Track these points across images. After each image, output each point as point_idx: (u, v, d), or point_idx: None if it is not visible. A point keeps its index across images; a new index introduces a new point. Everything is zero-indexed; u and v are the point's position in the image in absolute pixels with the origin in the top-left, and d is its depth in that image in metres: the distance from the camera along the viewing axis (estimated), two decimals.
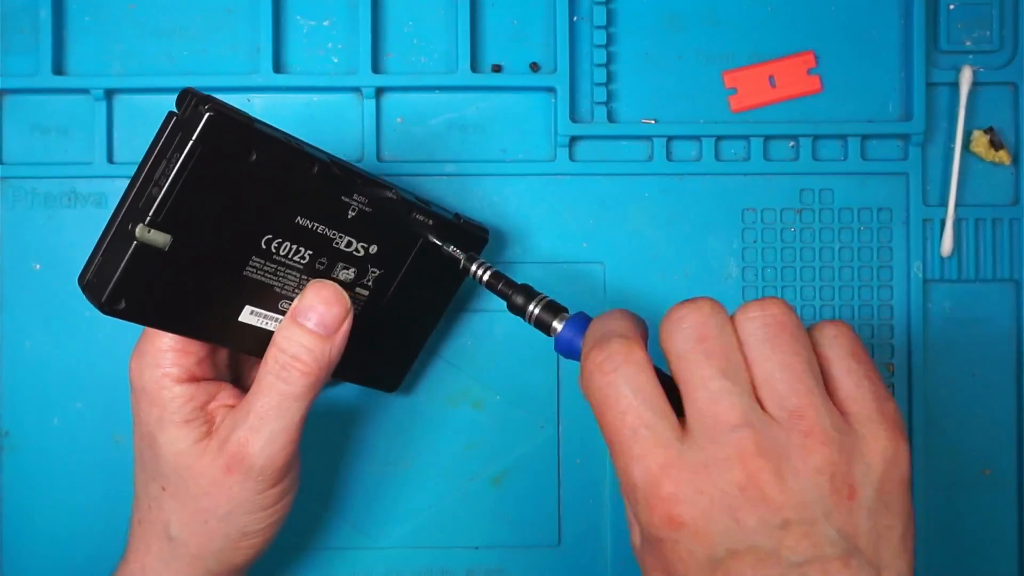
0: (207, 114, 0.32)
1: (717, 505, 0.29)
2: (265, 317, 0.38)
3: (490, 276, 0.39)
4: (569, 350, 0.36)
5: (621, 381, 0.31)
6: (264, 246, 0.36)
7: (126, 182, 0.34)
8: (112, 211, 0.34)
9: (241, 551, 0.39)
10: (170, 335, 0.37)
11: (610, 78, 0.47)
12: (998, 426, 0.47)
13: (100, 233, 0.35)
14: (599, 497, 0.47)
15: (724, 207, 0.47)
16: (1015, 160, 0.47)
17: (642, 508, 0.30)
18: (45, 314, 0.46)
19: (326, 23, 0.43)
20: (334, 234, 0.38)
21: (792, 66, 0.47)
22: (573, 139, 0.46)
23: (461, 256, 0.40)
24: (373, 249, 0.39)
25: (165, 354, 0.37)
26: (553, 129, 0.46)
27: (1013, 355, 0.47)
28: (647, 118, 0.46)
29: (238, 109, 0.33)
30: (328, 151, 0.37)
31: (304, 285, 0.38)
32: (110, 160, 0.46)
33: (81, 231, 0.46)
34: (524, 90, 0.46)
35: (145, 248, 0.33)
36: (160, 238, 0.33)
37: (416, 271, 0.41)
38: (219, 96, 0.33)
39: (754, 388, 0.30)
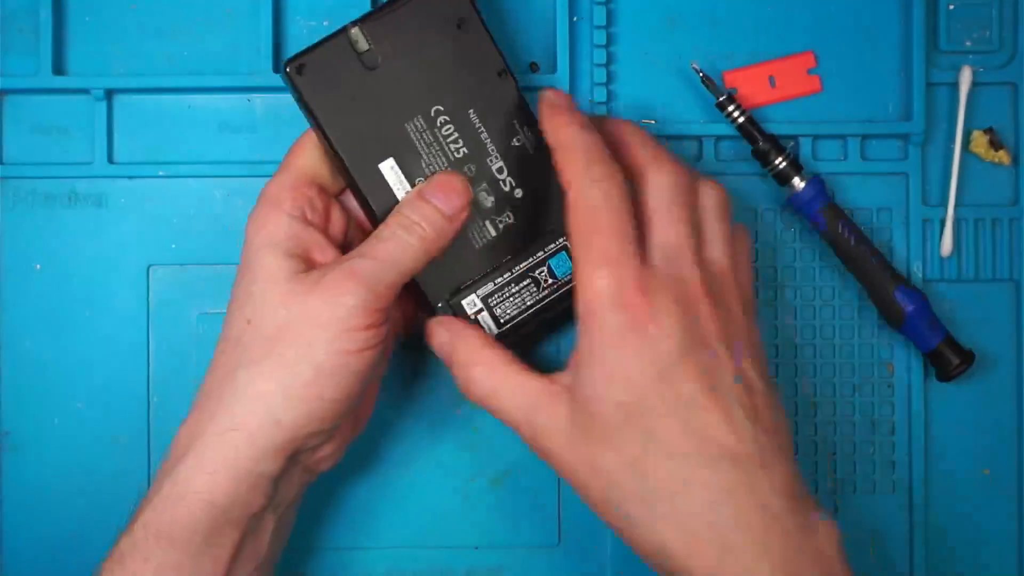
0: None
1: (675, 316, 0.34)
2: (399, 178, 0.40)
3: (744, 120, 0.44)
4: (805, 209, 0.44)
5: (616, 191, 0.36)
6: (432, 114, 0.40)
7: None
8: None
9: (310, 427, 0.37)
10: (291, 196, 0.38)
11: (610, 78, 0.47)
12: (998, 426, 0.47)
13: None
14: None
15: None
16: (1015, 160, 0.47)
17: (601, 306, 0.34)
18: (45, 314, 0.46)
19: (326, 23, 0.43)
20: (492, 150, 0.41)
21: (792, 66, 0.47)
22: None
23: (721, 95, 0.44)
24: (518, 193, 0.41)
25: (284, 190, 0.39)
26: None
27: (1013, 355, 0.47)
28: (647, 118, 0.46)
29: None
30: None
31: None
32: (110, 160, 0.46)
33: (81, 231, 0.46)
34: (524, 90, 0.46)
35: (345, 41, 0.39)
36: (363, 41, 0.39)
37: (543, 251, 0.42)
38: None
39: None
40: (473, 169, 0.41)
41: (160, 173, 0.46)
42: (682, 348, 0.34)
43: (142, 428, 0.46)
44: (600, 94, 0.46)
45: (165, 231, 0.46)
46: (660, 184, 0.37)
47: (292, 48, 0.46)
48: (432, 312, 0.42)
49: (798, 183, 0.44)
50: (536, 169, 0.41)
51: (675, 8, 0.47)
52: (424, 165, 0.41)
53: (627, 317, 0.34)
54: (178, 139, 0.46)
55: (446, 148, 0.41)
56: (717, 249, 0.37)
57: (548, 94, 0.39)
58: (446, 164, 0.41)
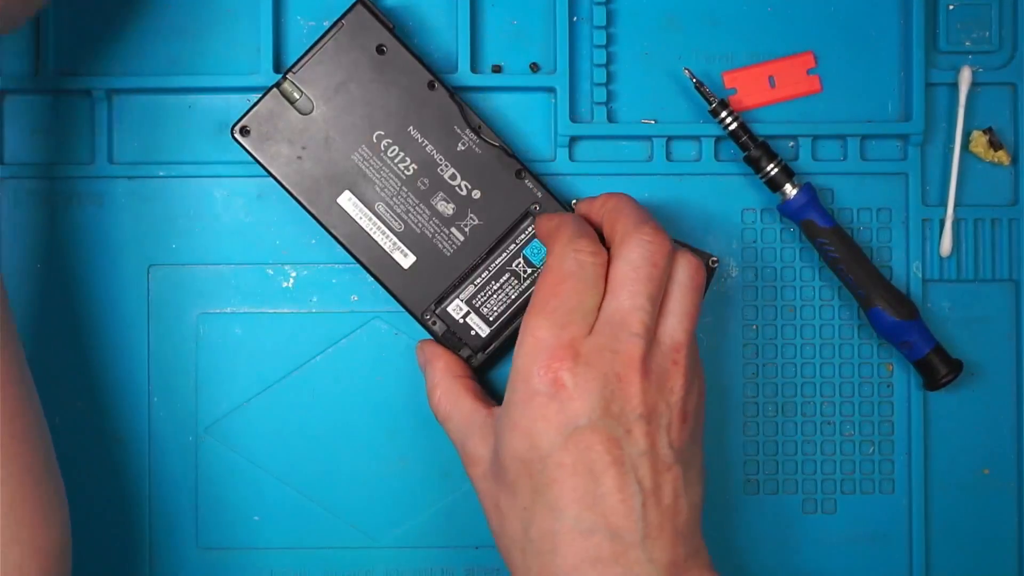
0: (358, 3, 0.42)
1: (596, 384, 0.35)
2: (359, 207, 0.42)
3: (736, 126, 0.44)
4: (795, 215, 0.44)
5: (590, 265, 0.37)
6: (375, 140, 0.42)
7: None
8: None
9: None
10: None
11: (610, 78, 0.47)
12: (998, 426, 0.47)
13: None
14: None
15: (724, 207, 0.47)
16: (1014, 160, 0.47)
17: (530, 361, 0.36)
18: (45, 314, 0.46)
19: (326, 23, 0.43)
20: (440, 159, 0.42)
21: (792, 66, 0.47)
22: (573, 139, 0.46)
23: (714, 101, 0.44)
24: (476, 194, 0.42)
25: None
26: (553, 129, 0.46)
27: (1013, 355, 0.47)
28: (647, 118, 0.47)
29: (384, 17, 0.42)
30: None
31: (403, 197, 0.42)
32: (110, 160, 0.46)
33: (81, 231, 0.46)
34: (524, 90, 0.46)
35: (278, 95, 0.42)
36: (294, 90, 0.42)
37: (514, 243, 0.43)
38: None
39: (660, 315, 0.37)
40: (427, 182, 0.43)
41: (160, 173, 0.46)
42: (591, 417, 0.35)
43: (142, 428, 0.46)
44: (600, 94, 0.46)
45: (165, 231, 0.46)
46: (630, 254, 0.37)
47: (292, 47, 0.46)
48: (421, 322, 0.43)
49: (789, 190, 0.44)
50: (487, 167, 0.43)
51: (675, 8, 0.47)
52: (379, 190, 0.42)
53: (547, 379, 0.35)
54: (178, 139, 0.46)
55: (395, 169, 0.42)
56: (673, 322, 0.37)
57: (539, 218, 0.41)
58: (399, 184, 0.42)
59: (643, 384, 0.35)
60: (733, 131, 0.45)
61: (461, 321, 0.43)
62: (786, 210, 0.45)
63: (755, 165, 0.45)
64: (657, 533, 0.35)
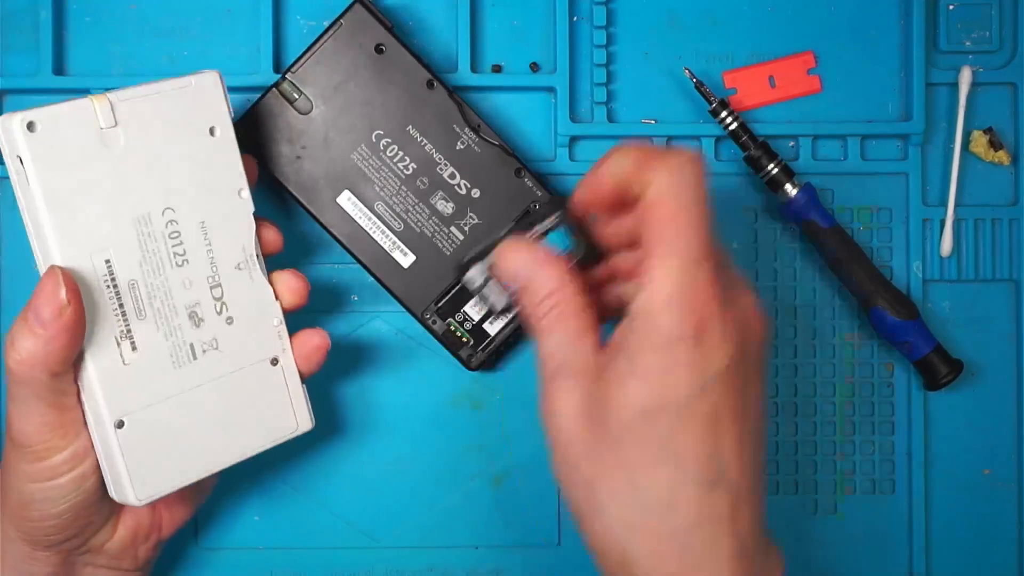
0: (356, 2, 0.42)
1: (734, 329, 0.32)
2: (358, 207, 0.42)
3: (736, 126, 0.44)
4: (796, 215, 0.44)
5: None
6: (374, 140, 0.42)
7: None
8: None
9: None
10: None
11: (610, 78, 0.47)
12: (998, 426, 0.47)
13: None
14: None
15: (724, 207, 0.47)
16: (1014, 160, 0.47)
17: (668, 304, 0.32)
18: None
19: (326, 23, 0.43)
20: (440, 158, 0.42)
21: (792, 66, 0.47)
22: (573, 139, 0.46)
23: (714, 101, 0.44)
24: (475, 193, 0.42)
25: None
26: (553, 129, 0.46)
27: (1013, 355, 0.47)
28: (647, 118, 0.46)
29: (383, 16, 0.42)
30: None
31: (403, 196, 0.42)
32: None
33: None
34: (524, 90, 0.46)
35: (277, 95, 0.42)
36: (294, 92, 0.42)
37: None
38: None
39: None
40: (426, 181, 0.42)
41: None
42: (729, 368, 0.32)
43: None
44: (600, 94, 0.46)
45: None
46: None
47: (292, 47, 0.46)
48: (421, 322, 0.43)
49: (790, 190, 0.44)
50: (487, 166, 0.43)
51: (675, 8, 0.47)
52: (378, 189, 0.42)
53: (691, 323, 0.32)
54: None
55: (395, 168, 0.42)
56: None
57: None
58: (398, 183, 0.42)
59: (763, 330, 0.34)
60: (733, 131, 0.45)
61: (482, 282, 0.41)
62: (786, 210, 0.45)
63: (755, 165, 0.45)
64: (754, 492, 0.34)
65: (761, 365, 0.35)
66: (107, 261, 0.35)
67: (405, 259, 0.43)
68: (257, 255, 0.38)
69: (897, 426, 0.47)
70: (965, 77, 0.46)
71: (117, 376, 0.35)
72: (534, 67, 0.47)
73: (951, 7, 0.47)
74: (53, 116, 0.34)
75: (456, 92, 0.43)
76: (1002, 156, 0.47)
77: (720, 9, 0.47)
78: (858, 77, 0.47)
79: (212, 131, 0.38)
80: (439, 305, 0.43)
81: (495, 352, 0.44)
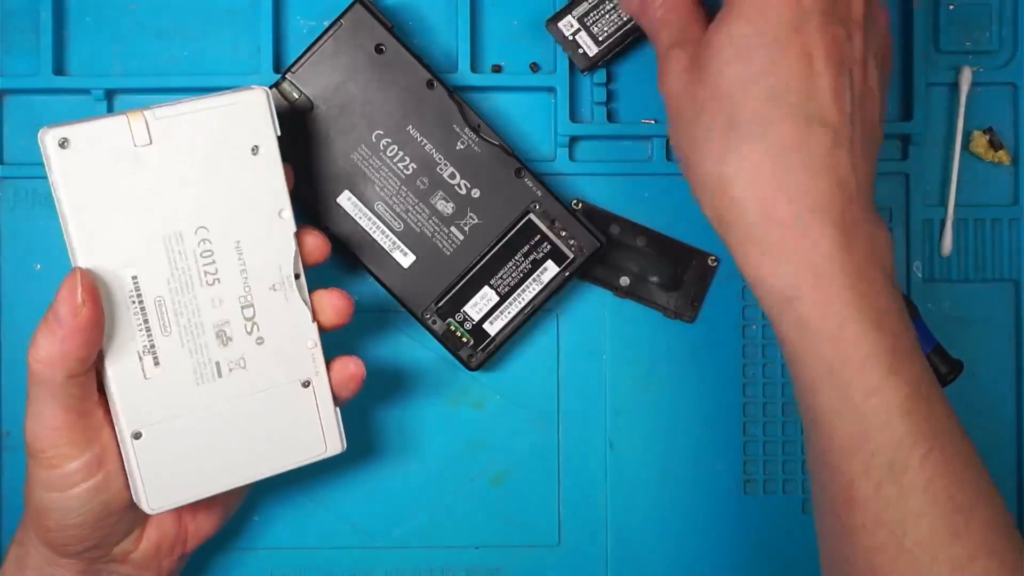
0: (356, 2, 0.42)
1: None
2: (358, 207, 0.42)
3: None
4: None
5: None
6: (374, 140, 0.42)
7: None
8: None
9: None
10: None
11: (610, 78, 0.47)
12: (998, 426, 0.47)
13: None
14: (599, 497, 0.47)
15: None
16: (1014, 160, 0.47)
17: None
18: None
19: (326, 23, 0.43)
20: (440, 158, 0.42)
21: None
22: (573, 139, 0.46)
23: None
24: (476, 193, 0.42)
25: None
26: (553, 129, 0.46)
27: (1013, 355, 0.47)
28: (647, 118, 0.46)
29: (383, 16, 0.42)
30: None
31: (403, 196, 0.42)
32: None
33: None
34: (524, 90, 0.46)
35: (279, 94, 0.42)
36: (294, 91, 0.42)
37: (516, 245, 0.43)
38: None
39: None
40: (426, 181, 0.43)
41: None
42: (824, 11, 0.34)
43: None
44: (600, 94, 0.46)
45: None
46: None
47: (292, 47, 0.46)
48: (421, 322, 0.43)
49: None
50: (487, 166, 0.43)
51: None
52: (378, 189, 0.42)
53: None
54: None
55: (395, 168, 0.42)
56: None
57: None
58: (398, 183, 0.42)
59: (881, 24, 0.37)
60: None
61: (573, 35, 0.43)
62: None
63: None
64: (860, 149, 0.35)
65: (870, 44, 0.36)
66: (134, 277, 0.35)
67: (405, 259, 0.43)
68: (296, 274, 0.38)
69: None
70: (965, 77, 0.46)
71: (137, 389, 0.36)
72: (534, 67, 0.47)
73: (951, 7, 0.47)
74: (87, 133, 0.34)
75: (456, 92, 0.43)
76: (1002, 156, 0.47)
77: (720, 9, 0.47)
78: None
79: (255, 150, 0.37)
80: (439, 305, 0.43)
81: (495, 352, 0.44)
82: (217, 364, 0.37)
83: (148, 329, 0.36)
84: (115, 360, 0.35)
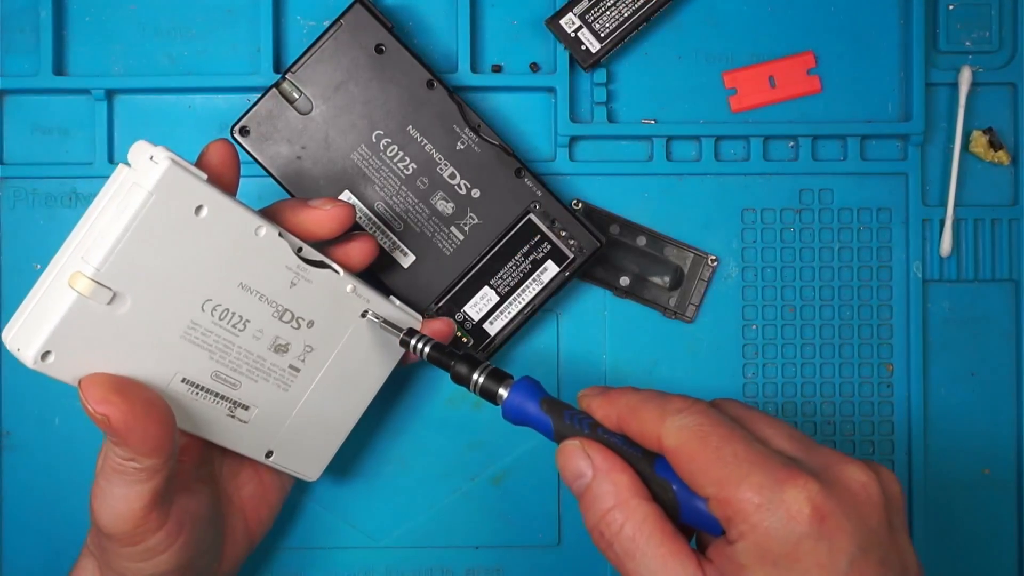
0: (356, 2, 0.42)
1: (849, 501, 0.30)
2: (359, 209, 0.42)
3: (431, 349, 0.37)
4: (518, 417, 0.35)
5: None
6: (374, 140, 0.42)
7: None
8: None
9: None
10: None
11: (610, 78, 0.47)
12: (998, 426, 0.47)
13: None
14: None
15: (724, 207, 0.47)
16: (1014, 160, 0.47)
17: (769, 497, 0.29)
18: None
19: (326, 23, 0.43)
20: (440, 158, 0.42)
21: (792, 66, 0.47)
22: (573, 139, 0.46)
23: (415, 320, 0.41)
24: (476, 193, 0.43)
25: None
26: (553, 129, 0.46)
27: (1012, 355, 0.47)
28: (647, 118, 0.47)
29: (383, 16, 0.42)
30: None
31: (403, 196, 0.42)
32: (111, 160, 0.46)
33: None
34: (524, 90, 0.46)
35: (277, 95, 0.42)
36: (294, 91, 0.42)
37: (516, 245, 0.43)
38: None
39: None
40: (426, 181, 0.43)
41: None
42: (861, 546, 0.29)
43: None
44: (600, 94, 0.46)
45: None
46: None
47: (292, 47, 0.46)
48: (421, 313, 0.42)
49: (503, 393, 0.35)
50: (487, 166, 0.43)
51: (675, 8, 0.47)
52: (378, 188, 0.43)
53: (805, 513, 0.29)
54: (178, 139, 0.46)
55: (395, 168, 0.42)
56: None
57: (583, 393, 0.35)
58: (399, 183, 0.42)
59: (882, 494, 0.31)
60: (429, 356, 0.38)
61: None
62: (508, 410, 0.35)
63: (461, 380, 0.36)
64: None
65: (895, 527, 0.31)
66: (183, 380, 0.35)
67: (405, 259, 0.43)
68: (300, 258, 0.37)
69: (897, 426, 0.47)
70: (965, 77, 0.46)
71: (245, 435, 0.38)
72: (534, 67, 0.47)
73: (951, 7, 0.47)
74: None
75: (456, 92, 0.43)
76: (1002, 156, 0.47)
77: (720, 9, 0.47)
78: (858, 77, 0.47)
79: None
80: (439, 305, 0.43)
81: (495, 352, 0.44)
82: (290, 366, 0.38)
83: (222, 397, 0.36)
84: (216, 434, 0.37)
